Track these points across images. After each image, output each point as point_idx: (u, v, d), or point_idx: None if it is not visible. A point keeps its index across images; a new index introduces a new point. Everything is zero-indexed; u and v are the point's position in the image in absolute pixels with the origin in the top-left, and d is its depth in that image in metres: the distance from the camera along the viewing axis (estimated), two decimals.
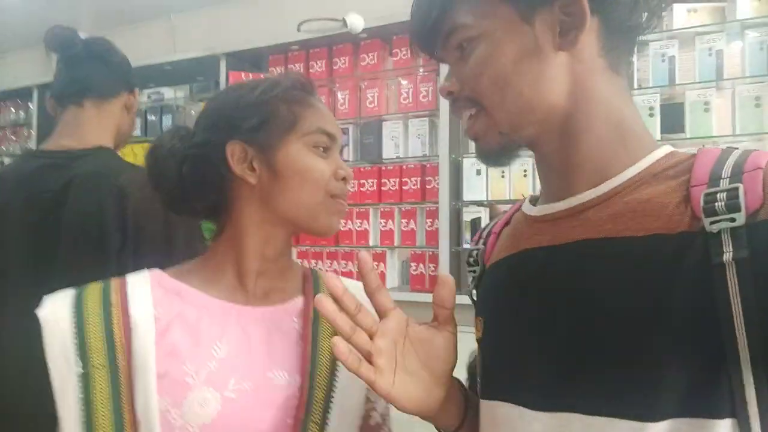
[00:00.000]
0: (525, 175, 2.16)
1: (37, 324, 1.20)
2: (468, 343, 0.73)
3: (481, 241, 0.76)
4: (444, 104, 2.24)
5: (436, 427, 0.71)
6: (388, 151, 2.40)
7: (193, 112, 2.89)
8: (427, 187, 2.31)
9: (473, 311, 0.73)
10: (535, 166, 0.68)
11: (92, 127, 1.36)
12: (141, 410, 0.71)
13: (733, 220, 0.50)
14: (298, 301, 0.83)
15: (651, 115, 1.97)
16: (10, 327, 1.20)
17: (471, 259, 0.78)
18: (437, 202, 2.25)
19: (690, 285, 0.50)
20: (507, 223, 0.74)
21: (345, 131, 2.48)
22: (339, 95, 2.50)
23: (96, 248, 1.24)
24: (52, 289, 1.24)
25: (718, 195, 0.51)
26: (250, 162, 0.78)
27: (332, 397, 0.77)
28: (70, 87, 1.36)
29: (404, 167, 2.36)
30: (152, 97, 3.01)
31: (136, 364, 0.72)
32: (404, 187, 2.35)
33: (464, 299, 0.78)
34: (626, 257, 0.55)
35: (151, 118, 2.96)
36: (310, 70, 2.55)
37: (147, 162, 0.83)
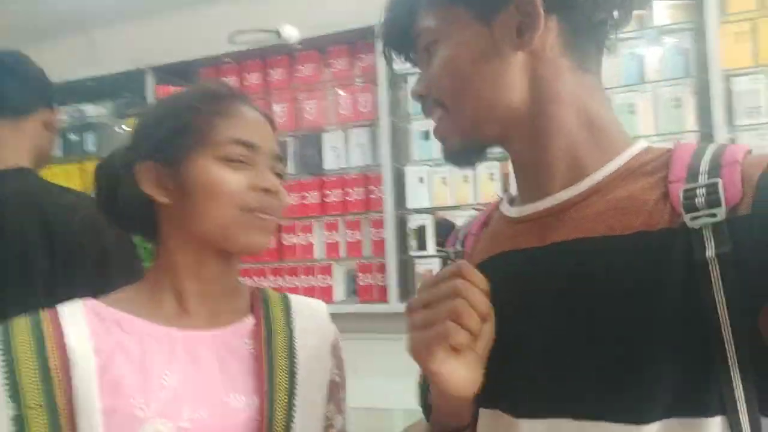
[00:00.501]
0: (492, 179, 2.16)
1: None
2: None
3: (458, 243, 0.75)
4: (384, 113, 2.24)
5: (443, 425, 0.66)
6: (330, 163, 2.37)
7: (118, 129, 2.74)
8: (371, 196, 2.30)
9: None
10: (510, 167, 0.68)
11: (9, 147, 1.27)
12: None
13: (713, 215, 0.50)
14: (248, 322, 0.79)
15: None
16: None
17: (450, 262, 0.75)
18: (382, 212, 2.24)
19: (676, 283, 0.50)
20: (485, 224, 0.72)
21: (283, 144, 2.43)
22: (276, 107, 2.45)
23: (23, 275, 1.15)
24: None
25: (697, 191, 0.51)
26: (161, 181, 0.74)
27: (293, 416, 0.74)
28: None
29: (347, 178, 2.34)
30: (73, 115, 2.83)
31: (77, 403, 0.67)
32: (348, 198, 2.32)
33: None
34: (611, 257, 0.54)
35: (73, 137, 2.78)
36: (244, 83, 2.49)
37: (94, 182, 0.82)
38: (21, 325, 0.71)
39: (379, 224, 2.26)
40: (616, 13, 0.60)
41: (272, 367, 0.75)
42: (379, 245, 2.26)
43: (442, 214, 2.24)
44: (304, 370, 0.78)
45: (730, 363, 0.48)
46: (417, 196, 2.24)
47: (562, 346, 0.56)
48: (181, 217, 0.74)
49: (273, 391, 0.74)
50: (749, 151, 0.53)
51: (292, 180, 2.38)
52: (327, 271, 2.33)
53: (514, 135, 0.62)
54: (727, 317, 0.48)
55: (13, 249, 1.17)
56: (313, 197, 2.35)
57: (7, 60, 1.31)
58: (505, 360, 0.58)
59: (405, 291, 2.23)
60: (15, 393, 0.67)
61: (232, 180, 0.72)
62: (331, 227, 2.35)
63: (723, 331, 0.48)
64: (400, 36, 0.66)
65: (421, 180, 2.24)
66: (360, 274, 2.29)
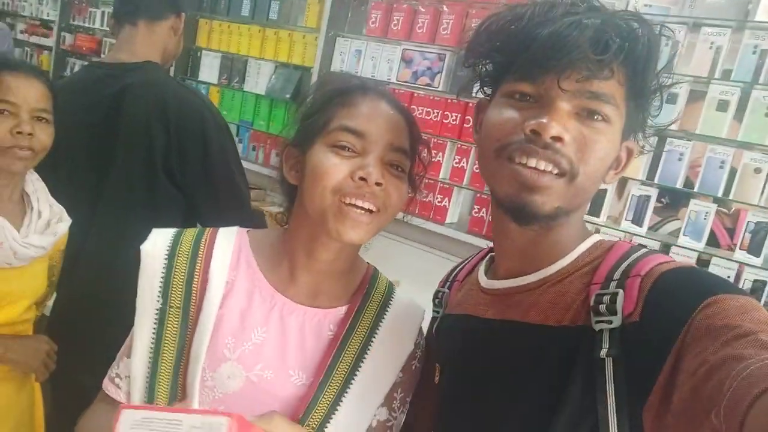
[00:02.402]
0: None
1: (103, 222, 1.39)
2: None
3: (447, 285, 0.84)
4: None
5: None
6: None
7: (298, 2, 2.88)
8: None
9: None
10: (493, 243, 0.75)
11: (143, 44, 1.57)
12: (193, 357, 0.78)
13: (610, 321, 0.57)
14: (341, 310, 0.83)
15: None
16: (82, 221, 1.43)
17: (436, 300, 0.85)
18: None
19: (582, 374, 0.58)
20: (470, 273, 0.81)
21: (442, 57, 2.42)
22: (444, 19, 2.42)
23: (146, 147, 1.46)
24: (111, 182, 1.51)
25: (603, 297, 0.59)
26: (296, 164, 0.83)
27: (336, 409, 0.78)
28: (125, 7, 1.58)
29: None
30: None
31: (201, 317, 0.78)
32: None
33: None
34: (540, 345, 0.63)
35: (261, 2, 2.98)
36: None
37: None
38: (188, 236, 0.83)
39: None
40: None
41: (338, 358, 0.79)
42: None
43: None
44: (369, 368, 0.80)
45: None
46: None
47: (485, 410, 0.67)
48: (302, 197, 0.80)
49: (327, 381, 0.78)
50: (658, 264, 0.59)
51: (438, 96, 2.41)
52: (447, 192, 2.41)
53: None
54: (614, 409, 0.55)
55: (140, 124, 1.47)
56: (453, 118, 2.37)
57: None
58: (455, 401, 0.72)
59: None
60: (166, 292, 0.79)
61: (333, 165, 0.75)
62: (463, 153, 2.38)
63: (609, 418, 0.55)
64: (578, 69, 0.59)
65: None
66: (476, 206, 2.34)
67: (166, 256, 0.81)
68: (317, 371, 0.79)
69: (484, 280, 0.74)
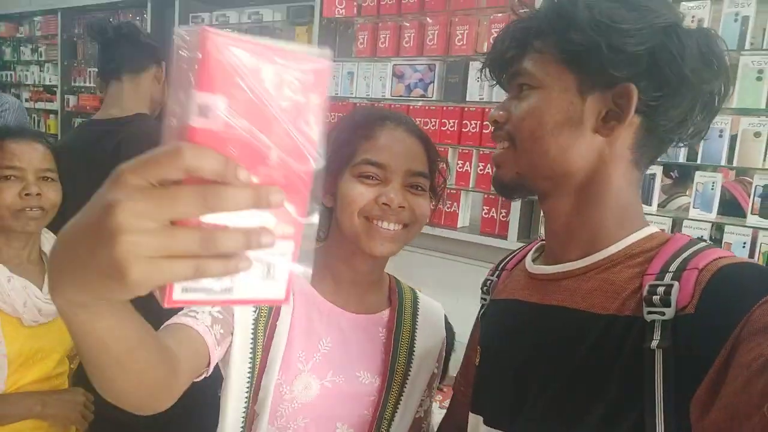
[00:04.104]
0: None
1: None
2: None
3: (496, 273, 0.86)
4: None
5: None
6: (473, 93, 2.38)
7: (289, 35, 2.97)
8: None
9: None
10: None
11: (130, 98, 1.65)
12: (270, 363, 0.84)
13: (662, 313, 0.57)
14: (385, 314, 0.96)
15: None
16: None
17: (484, 288, 0.87)
18: None
19: (628, 363, 0.58)
20: (520, 261, 0.82)
21: (432, 68, 2.47)
22: (429, 30, 2.47)
23: None
24: None
25: (657, 289, 0.58)
26: (330, 189, 0.89)
27: (401, 399, 0.92)
28: (108, 65, 1.67)
29: (487, 110, 2.34)
30: (252, 17, 3.11)
31: (277, 330, 0.86)
32: (485, 131, 2.34)
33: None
34: (586, 331, 0.63)
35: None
36: (403, 1, 2.52)
37: None
38: None
39: None
40: (690, 130, 0.65)
41: (396, 356, 0.92)
42: None
43: None
44: (417, 363, 0.94)
45: None
46: None
47: (536, 393, 0.67)
48: (337, 218, 0.89)
49: (392, 376, 0.91)
50: (717, 258, 0.58)
51: (433, 105, 2.45)
52: (456, 197, 2.44)
53: (556, 196, 0.69)
54: (661, 400, 0.55)
55: None
56: (451, 125, 2.41)
57: (124, 30, 1.68)
58: (498, 389, 0.72)
59: (526, 231, 2.28)
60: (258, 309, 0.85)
61: (359, 193, 0.85)
62: (465, 157, 2.41)
63: (657, 411, 0.55)
64: (502, 63, 0.72)
65: None
66: (485, 207, 2.37)
67: None
68: (382, 370, 0.91)
69: (531, 266, 0.75)
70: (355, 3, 2.70)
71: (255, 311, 0.85)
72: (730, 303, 0.54)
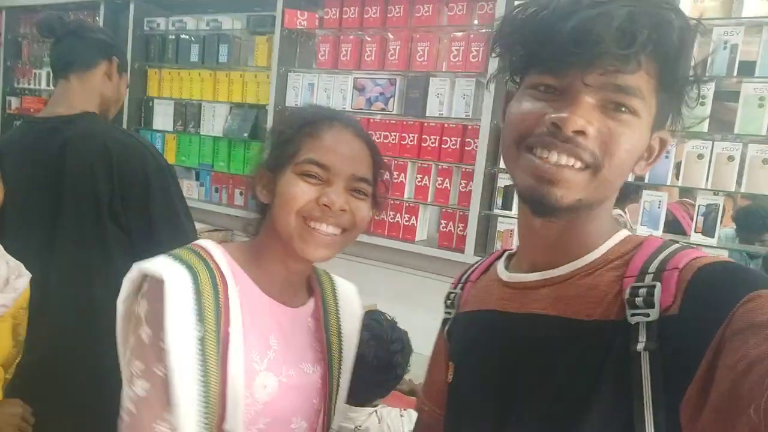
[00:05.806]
0: None
1: (55, 271, 1.46)
2: None
3: (459, 285, 0.84)
4: (492, 66, 2.21)
5: None
6: (432, 108, 2.42)
7: (248, 44, 2.94)
8: (466, 148, 2.34)
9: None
10: (518, 233, 0.73)
11: (78, 96, 1.58)
12: (231, 375, 0.78)
13: (647, 315, 0.56)
14: (311, 303, 0.95)
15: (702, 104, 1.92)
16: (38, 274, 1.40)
17: (448, 302, 0.85)
18: (474, 165, 2.28)
19: (616, 369, 0.57)
20: (484, 272, 0.80)
21: (393, 82, 2.50)
22: (391, 45, 2.50)
23: (93, 195, 1.46)
24: (63, 233, 1.49)
25: (639, 290, 0.58)
26: (267, 185, 0.87)
27: (340, 382, 0.96)
28: (57, 63, 1.60)
29: (446, 126, 2.38)
30: (210, 24, 3.06)
31: (231, 336, 0.79)
32: (443, 146, 2.38)
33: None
34: (571, 339, 0.62)
35: (209, 46, 3.02)
36: (365, 15, 2.54)
37: None
38: (191, 257, 0.81)
39: (469, 177, 2.32)
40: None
41: (330, 343, 0.94)
42: (465, 197, 2.32)
43: None
44: (346, 344, 0.97)
45: None
46: None
47: (516, 405, 0.65)
48: (273, 216, 0.86)
49: (331, 363, 0.93)
50: (695, 258, 0.58)
51: (394, 119, 2.47)
52: (413, 211, 2.46)
53: (576, 216, 0.65)
54: (650, 403, 0.55)
55: (81, 178, 1.47)
56: (411, 139, 2.44)
57: (72, 27, 1.62)
58: (471, 397, 0.71)
59: (482, 245, 2.32)
60: (201, 318, 0.77)
61: (300, 190, 0.82)
62: (424, 171, 2.44)
63: (645, 415, 0.55)
64: (602, 58, 0.57)
65: None
66: (443, 221, 2.40)
67: (193, 284, 0.79)
68: (321, 357, 0.93)
69: (505, 275, 0.72)
70: (317, 15, 2.71)
71: (198, 328, 0.77)
72: (713, 303, 0.53)
